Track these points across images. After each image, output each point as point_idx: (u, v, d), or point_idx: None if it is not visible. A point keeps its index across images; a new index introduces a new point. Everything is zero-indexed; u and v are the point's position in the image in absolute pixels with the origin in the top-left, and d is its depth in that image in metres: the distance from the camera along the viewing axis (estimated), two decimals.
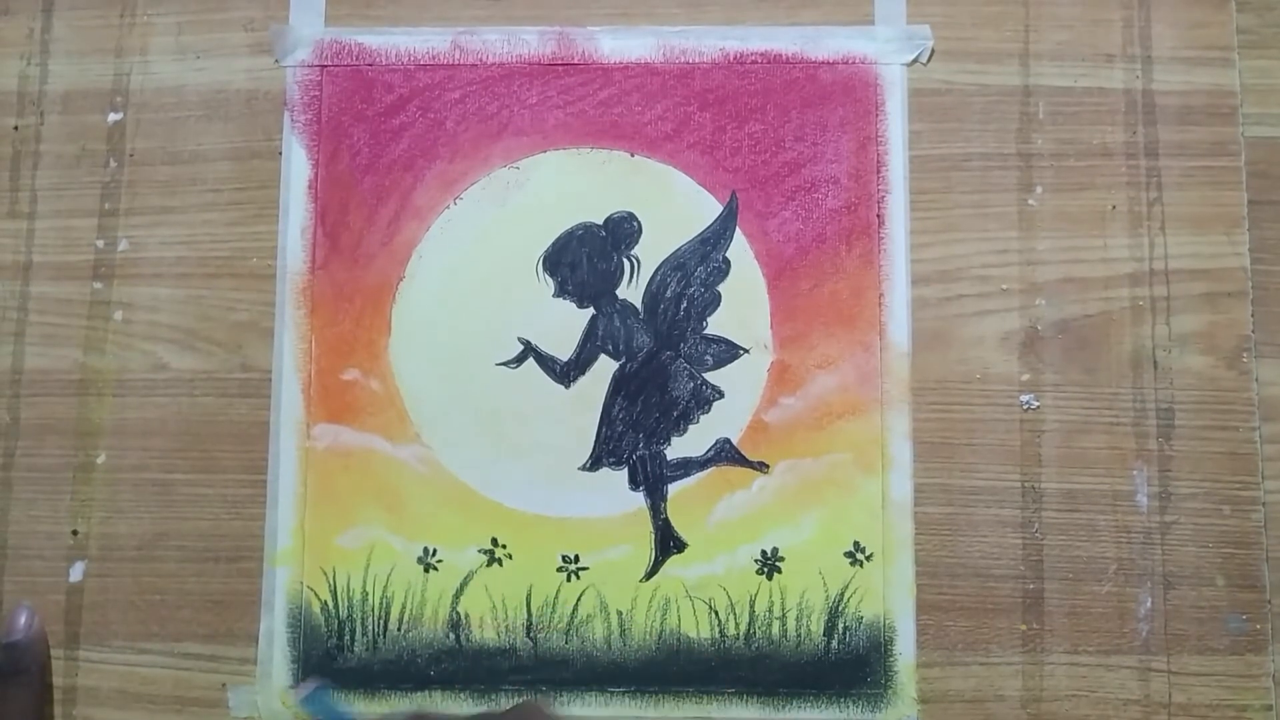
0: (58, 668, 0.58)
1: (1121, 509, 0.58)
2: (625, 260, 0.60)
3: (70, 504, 0.59)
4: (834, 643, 0.57)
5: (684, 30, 0.61)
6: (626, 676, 0.57)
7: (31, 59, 0.62)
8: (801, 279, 0.59)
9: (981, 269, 0.59)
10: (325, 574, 0.58)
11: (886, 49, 0.61)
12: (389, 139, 0.61)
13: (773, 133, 0.60)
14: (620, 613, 0.58)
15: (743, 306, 0.59)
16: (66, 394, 0.60)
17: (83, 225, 0.61)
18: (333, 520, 0.58)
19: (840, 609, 0.57)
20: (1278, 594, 0.57)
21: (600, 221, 0.60)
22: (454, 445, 0.59)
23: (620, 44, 0.61)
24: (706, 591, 0.58)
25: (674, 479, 0.58)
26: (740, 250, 0.60)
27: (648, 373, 0.59)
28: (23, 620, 0.57)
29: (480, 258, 0.60)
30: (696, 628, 0.57)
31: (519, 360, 0.59)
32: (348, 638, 0.58)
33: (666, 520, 0.58)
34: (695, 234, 0.60)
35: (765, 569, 0.58)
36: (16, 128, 0.62)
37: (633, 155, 0.61)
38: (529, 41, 0.62)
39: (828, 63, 0.61)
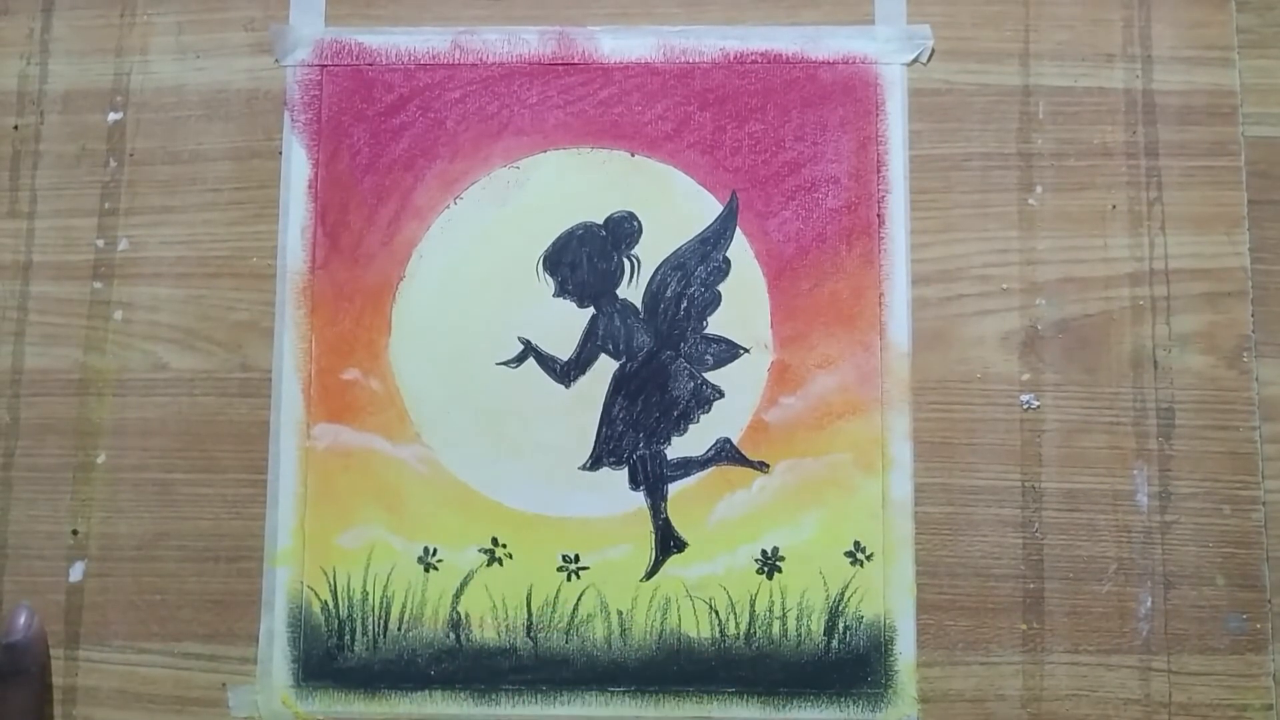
0: (58, 667, 0.58)
1: (1122, 509, 0.58)
2: (625, 260, 0.60)
3: (70, 504, 0.59)
4: (834, 642, 0.57)
5: (684, 30, 0.61)
6: (627, 676, 0.57)
7: (32, 58, 0.62)
8: (802, 279, 0.59)
9: (982, 269, 0.59)
10: (325, 574, 0.58)
11: (887, 49, 0.61)
12: (389, 139, 0.61)
13: (773, 132, 0.60)
14: (620, 612, 0.58)
15: (743, 306, 0.59)
16: (66, 394, 0.60)
17: (83, 225, 0.61)
18: (333, 520, 0.58)
19: (840, 608, 0.57)
20: (1278, 593, 0.57)
21: (600, 221, 0.60)
22: (454, 445, 0.59)
23: (620, 44, 0.61)
24: (707, 591, 0.58)
25: (674, 479, 0.58)
26: (740, 250, 0.60)
27: (648, 372, 0.59)
28: (22, 620, 0.57)
29: (480, 257, 0.60)
30: (697, 627, 0.57)
31: (519, 360, 0.59)
32: (348, 637, 0.58)
33: (667, 520, 0.58)
34: (695, 234, 0.60)
35: (765, 569, 0.58)
36: (16, 127, 0.62)
37: (633, 155, 0.61)
38: (529, 41, 0.62)
39: (828, 62, 0.61)
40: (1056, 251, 0.59)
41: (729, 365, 0.59)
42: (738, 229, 0.60)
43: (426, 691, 0.57)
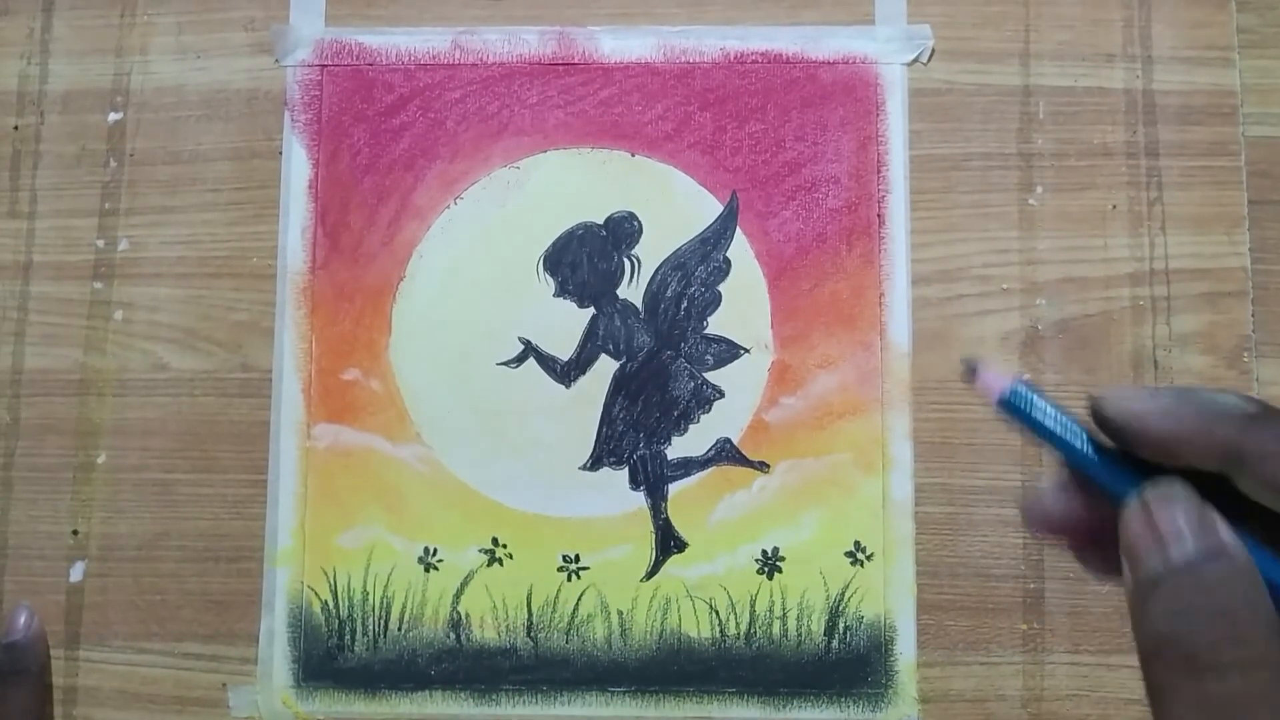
0: (58, 667, 0.58)
1: None
2: (626, 260, 0.60)
3: (70, 504, 0.59)
4: (834, 642, 0.57)
5: (684, 30, 0.61)
6: (627, 676, 0.57)
7: (32, 58, 0.62)
8: (802, 279, 0.59)
9: (982, 269, 0.59)
10: (326, 574, 0.58)
11: (887, 49, 0.61)
12: (389, 139, 0.61)
13: (773, 132, 0.60)
14: (621, 612, 0.58)
15: (743, 306, 0.59)
16: (67, 394, 0.60)
17: (83, 225, 0.61)
18: (333, 520, 0.58)
19: (841, 609, 0.57)
20: None
21: (601, 221, 0.60)
22: (454, 445, 0.59)
23: (621, 44, 0.61)
24: (707, 591, 0.58)
25: (674, 479, 0.58)
26: (741, 250, 0.60)
27: (648, 372, 0.59)
28: (23, 620, 0.57)
29: (481, 257, 0.60)
30: (697, 627, 0.57)
31: (519, 360, 0.59)
32: (348, 637, 0.58)
33: (667, 520, 0.58)
34: (696, 234, 0.60)
35: (766, 569, 0.58)
36: (16, 127, 0.62)
37: (633, 155, 0.61)
38: (529, 41, 0.62)
39: (828, 62, 0.61)
40: (1057, 251, 0.59)
41: (729, 365, 0.59)
42: (738, 229, 0.60)
43: (427, 691, 0.57)
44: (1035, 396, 0.30)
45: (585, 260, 0.60)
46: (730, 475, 0.58)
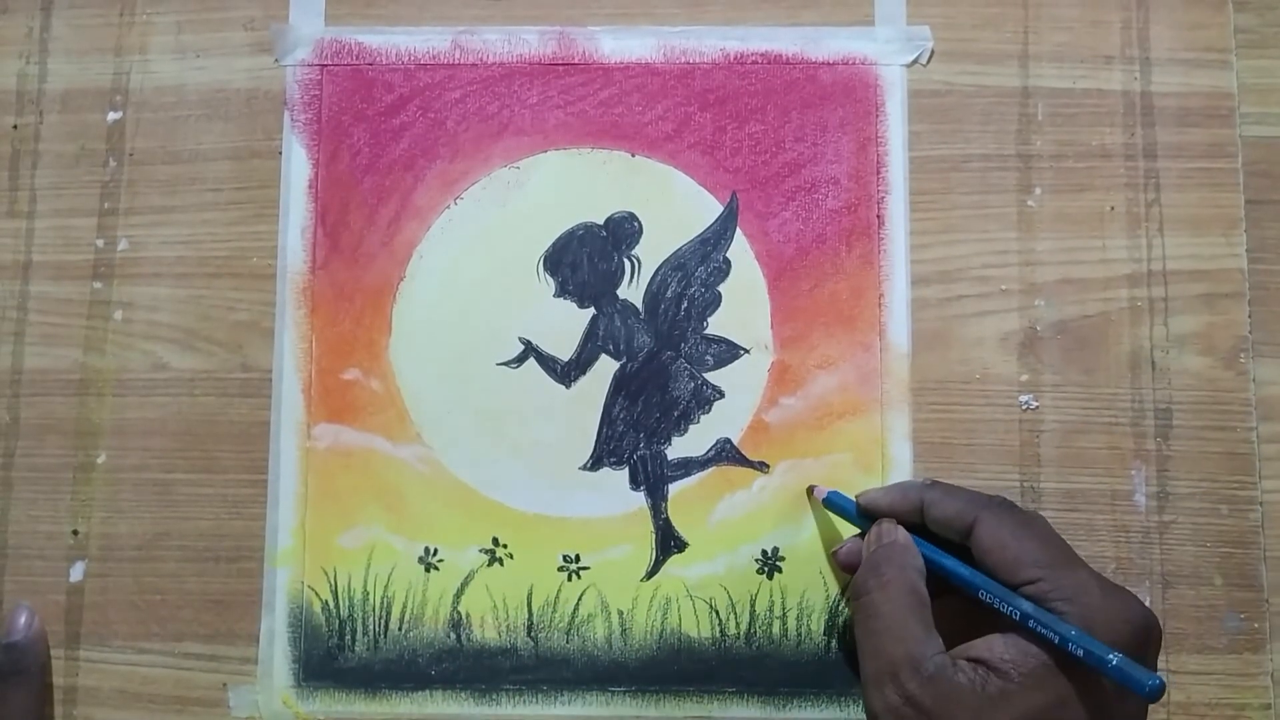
0: (58, 667, 0.58)
1: (1120, 509, 0.58)
2: (626, 260, 0.60)
3: (70, 504, 0.59)
4: (834, 642, 0.57)
5: (684, 30, 0.61)
6: (627, 676, 0.57)
7: (31, 58, 0.62)
8: (802, 279, 0.60)
9: (981, 270, 0.60)
10: (326, 574, 0.58)
11: (886, 50, 0.61)
12: (389, 139, 0.61)
13: (773, 133, 0.61)
14: (621, 612, 0.58)
15: (743, 307, 0.59)
16: (66, 394, 0.60)
17: (82, 225, 0.61)
18: (333, 520, 0.58)
19: (841, 608, 0.57)
20: (1275, 593, 0.57)
21: (601, 221, 0.60)
22: (455, 445, 0.59)
23: (621, 44, 0.61)
24: (707, 591, 0.58)
25: (675, 479, 0.59)
26: (740, 250, 0.60)
27: (648, 373, 0.59)
28: (23, 620, 0.57)
29: (481, 258, 0.60)
30: (697, 627, 0.58)
31: (520, 360, 0.59)
32: (349, 637, 0.58)
33: (667, 520, 0.58)
34: (696, 234, 0.60)
35: (766, 568, 0.58)
36: (16, 127, 0.62)
37: (633, 155, 0.61)
38: (529, 41, 0.62)
39: (828, 63, 0.61)
40: (1055, 253, 0.60)
41: (729, 366, 0.59)
42: (738, 229, 0.60)
43: (427, 691, 0.57)
44: (839, 496, 0.56)
45: (585, 260, 0.60)
46: (730, 475, 0.58)
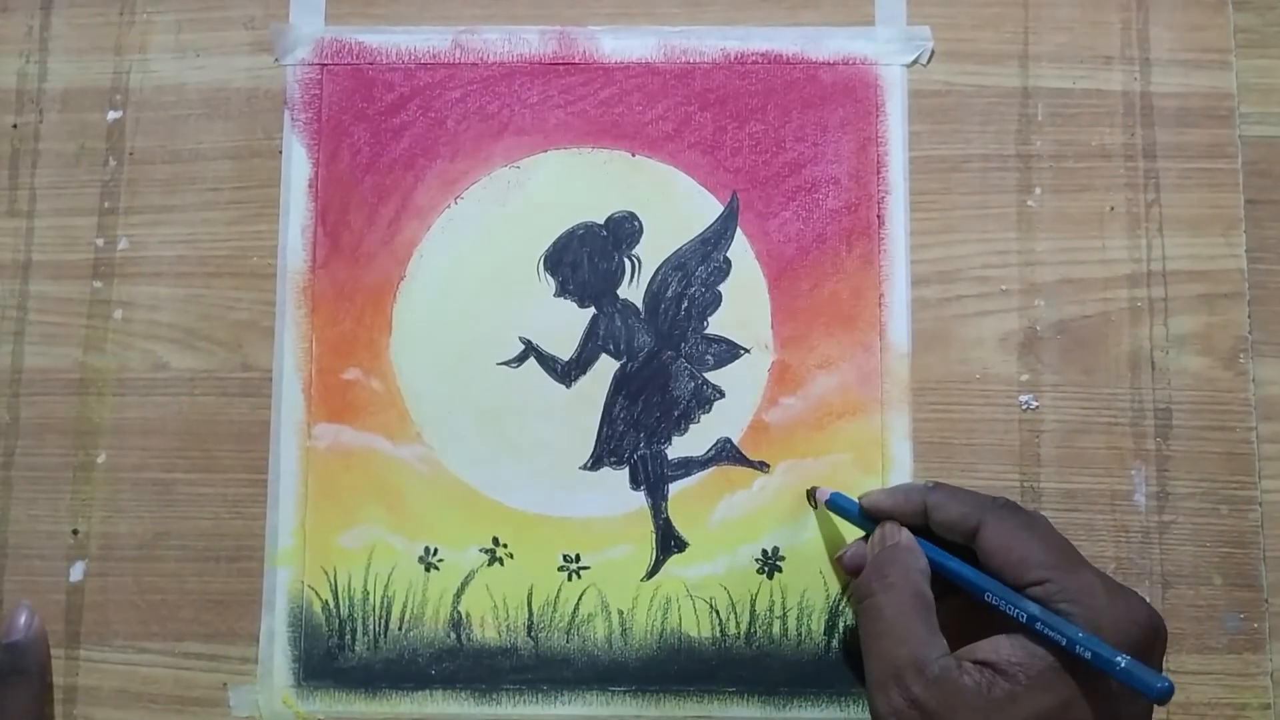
0: (58, 667, 0.58)
1: (1120, 509, 0.58)
2: (626, 260, 0.60)
3: (70, 503, 0.59)
4: (834, 642, 0.57)
5: (685, 30, 0.61)
6: (627, 676, 0.57)
7: (30, 56, 0.62)
8: (802, 279, 0.60)
9: (981, 270, 0.60)
10: (326, 573, 0.58)
11: (887, 50, 0.61)
12: (390, 138, 0.61)
13: (773, 133, 0.61)
14: (621, 612, 0.58)
15: (743, 306, 0.60)
16: (66, 393, 0.60)
17: (82, 224, 0.61)
18: (334, 520, 0.58)
19: (841, 608, 0.57)
20: (1275, 593, 0.57)
21: (601, 221, 0.60)
22: (455, 445, 0.59)
23: (621, 44, 0.61)
24: (707, 591, 0.58)
25: (675, 478, 0.59)
26: (741, 250, 0.60)
27: (649, 372, 0.59)
28: (23, 620, 0.57)
29: (481, 257, 0.60)
30: (697, 627, 0.58)
31: (520, 360, 0.59)
32: (349, 637, 0.58)
33: (667, 520, 0.58)
34: (696, 234, 0.60)
35: (766, 568, 0.58)
36: (15, 126, 0.62)
37: (634, 155, 0.61)
38: (530, 41, 0.62)
39: (828, 63, 0.61)
40: (1055, 253, 0.60)
41: (729, 365, 0.59)
42: (738, 229, 0.60)
43: (427, 691, 0.57)
44: (842, 498, 0.56)
45: (586, 260, 0.60)
46: (730, 475, 0.59)
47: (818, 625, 0.57)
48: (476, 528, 0.58)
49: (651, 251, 0.60)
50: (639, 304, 0.60)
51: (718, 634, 0.58)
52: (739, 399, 0.59)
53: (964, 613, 0.50)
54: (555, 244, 0.60)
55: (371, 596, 0.58)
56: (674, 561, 0.58)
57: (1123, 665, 0.44)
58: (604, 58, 0.61)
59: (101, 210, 0.61)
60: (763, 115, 0.61)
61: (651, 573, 0.58)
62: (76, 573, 0.59)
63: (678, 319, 0.60)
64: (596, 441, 0.59)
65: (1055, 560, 0.48)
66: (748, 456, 0.59)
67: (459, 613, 0.58)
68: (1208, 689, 0.57)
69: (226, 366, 0.60)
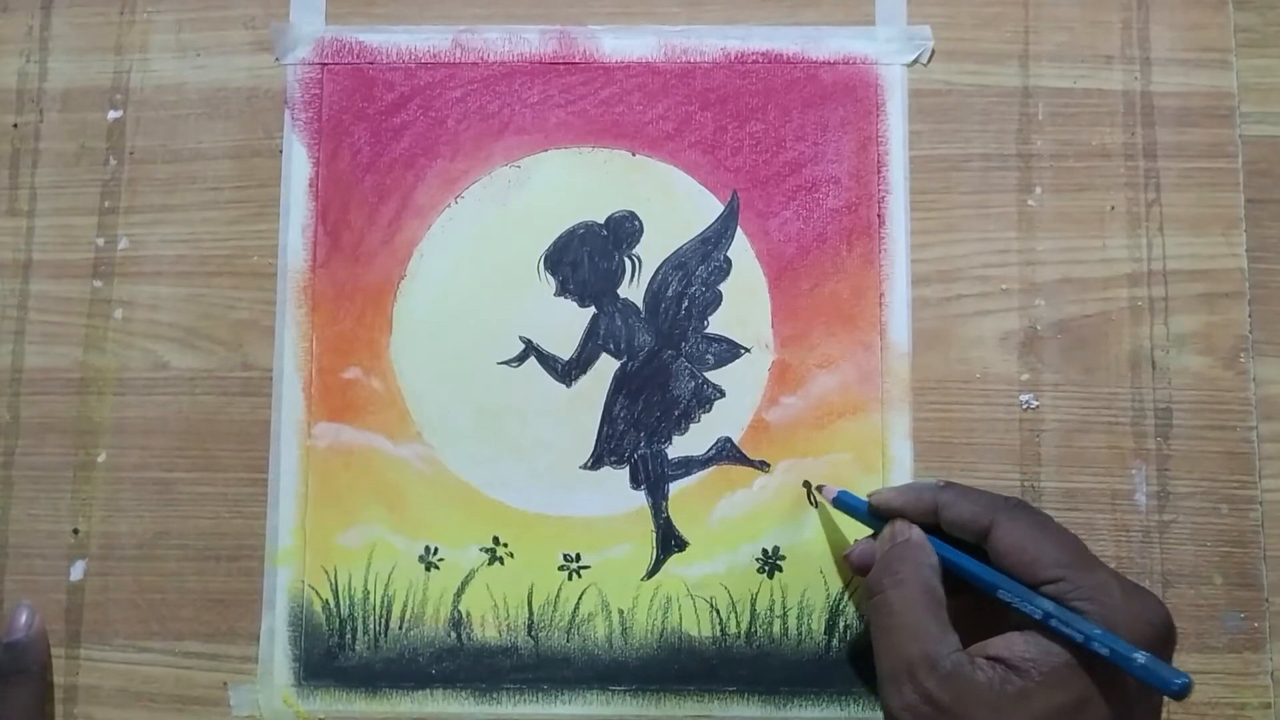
0: (58, 666, 0.58)
1: (1120, 508, 0.58)
2: (626, 259, 0.60)
3: (71, 503, 0.59)
4: (835, 641, 0.57)
5: (685, 30, 0.61)
6: (628, 675, 0.57)
7: (31, 56, 0.62)
8: (802, 278, 0.60)
9: (981, 269, 0.60)
10: (327, 573, 0.58)
11: (887, 49, 0.61)
12: (390, 137, 0.61)
13: (774, 132, 0.61)
14: (621, 611, 0.58)
15: (744, 306, 0.60)
16: (67, 392, 0.60)
17: (83, 223, 0.61)
18: (334, 519, 0.58)
19: (841, 607, 0.57)
20: (1275, 592, 0.57)
21: (601, 220, 0.60)
22: (455, 444, 0.59)
23: (621, 43, 0.61)
24: (708, 590, 0.58)
25: (675, 478, 0.59)
26: (741, 250, 0.60)
27: (649, 372, 0.59)
28: (23, 619, 0.57)
29: (481, 256, 0.60)
30: (698, 626, 0.58)
31: (520, 359, 0.59)
32: (349, 636, 0.58)
33: (668, 519, 0.58)
34: (696, 233, 0.60)
35: (766, 568, 0.58)
36: (16, 125, 0.62)
37: (634, 154, 0.61)
38: (530, 40, 0.62)
39: (828, 63, 0.61)
40: (1055, 252, 0.60)
41: (730, 365, 0.59)
42: (739, 229, 0.60)
43: (428, 690, 0.57)
44: (850, 496, 0.56)
45: (586, 259, 0.60)
46: (731, 474, 0.59)
47: (818, 625, 0.57)
48: (477, 527, 0.58)
49: (652, 251, 0.60)
50: (639, 303, 0.60)
51: (718, 633, 0.58)
52: (739, 398, 0.59)
53: (973, 612, 0.50)
54: (556, 243, 0.60)
55: (372, 596, 0.58)
56: (674, 561, 0.58)
57: (1141, 661, 0.44)
58: (604, 57, 0.61)
59: (102, 210, 0.61)
60: (763, 115, 0.61)
61: (652, 572, 0.58)
62: (77, 572, 0.59)
63: (678, 318, 0.60)
64: (597, 441, 0.59)
65: (1069, 559, 0.48)
66: (748, 456, 0.59)
67: (459, 612, 0.58)
68: (1208, 688, 0.57)
69: (227, 366, 0.60)
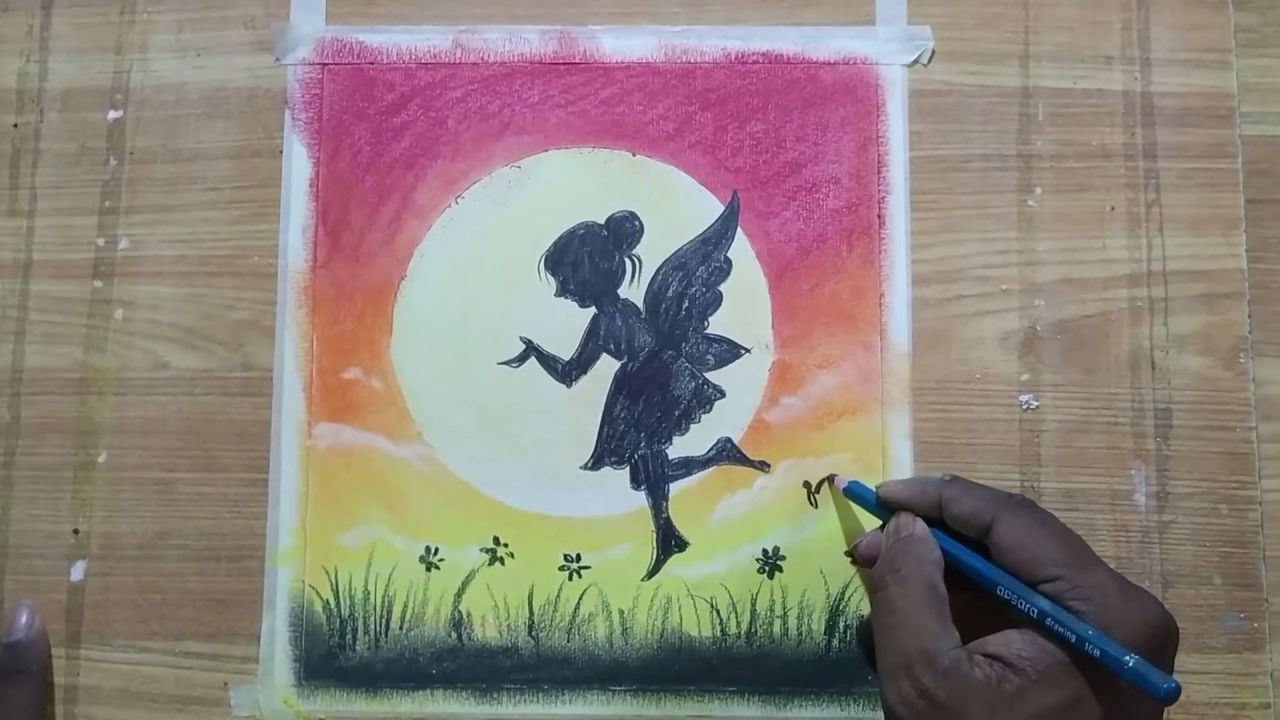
0: (59, 666, 0.58)
1: (1120, 508, 0.58)
2: (627, 260, 0.60)
3: (71, 503, 0.59)
4: (835, 641, 0.57)
5: (685, 30, 0.61)
6: (628, 675, 0.57)
7: (31, 56, 0.62)
8: (802, 279, 0.60)
9: (981, 269, 0.60)
10: (327, 573, 0.58)
11: (887, 50, 0.61)
12: (390, 137, 0.61)
13: (774, 133, 0.61)
14: (622, 611, 0.58)
15: (744, 306, 0.60)
16: (67, 392, 0.60)
17: (83, 223, 0.61)
18: (334, 519, 0.58)
19: (841, 607, 0.57)
20: (1275, 592, 0.57)
21: (602, 221, 0.60)
22: (456, 444, 0.59)
23: (622, 43, 0.61)
24: (708, 590, 0.58)
25: (675, 478, 0.59)
26: (742, 250, 0.60)
27: (649, 372, 0.59)
28: (24, 619, 0.57)
29: (482, 257, 0.60)
30: (698, 626, 0.58)
31: (521, 359, 0.59)
32: (349, 636, 0.58)
33: (668, 519, 0.58)
34: (697, 234, 0.60)
35: (766, 568, 0.58)
36: (16, 125, 0.62)
37: (634, 155, 0.61)
38: (530, 40, 0.62)
39: (829, 63, 0.61)
40: (1055, 253, 0.60)
41: (730, 365, 0.59)
42: (739, 229, 0.60)
43: (428, 690, 0.58)
44: (860, 486, 0.56)
45: (586, 260, 0.60)
46: (731, 474, 0.59)
47: (818, 625, 0.57)
48: (477, 527, 0.58)
49: (652, 251, 0.60)
50: (639, 304, 0.60)
51: (718, 633, 0.58)
52: (739, 399, 0.59)
53: (976, 608, 0.50)
54: (556, 244, 0.60)
55: (372, 596, 0.58)
56: (675, 561, 0.58)
57: (1130, 664, 0.44)
58: (605, 57, 0.61)
59: (102, 210, 0.61)
60: (763, 115, 0.61)
61: (652, 572, 0.58)
62: (77, 572, 0.59)
63: (678, 319, 0.60)
64: (597, 441, 0.59)
65: (1069, 558, 0.48)
66: (748, 456, 0.59)
67: (460, 612, 0.58)
68: (1208, 688, 0.57)
69: (227, 366, 0.60)
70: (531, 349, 0.59)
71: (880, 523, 0.55)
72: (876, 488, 0.55)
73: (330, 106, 0.61)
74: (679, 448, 0.59)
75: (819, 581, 0.58)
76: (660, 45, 0.61)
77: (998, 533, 0.50)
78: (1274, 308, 0.59)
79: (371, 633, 0.58)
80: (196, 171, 0.61)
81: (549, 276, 0.60)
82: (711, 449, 0.59)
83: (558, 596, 0.58)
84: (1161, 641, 0.47)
